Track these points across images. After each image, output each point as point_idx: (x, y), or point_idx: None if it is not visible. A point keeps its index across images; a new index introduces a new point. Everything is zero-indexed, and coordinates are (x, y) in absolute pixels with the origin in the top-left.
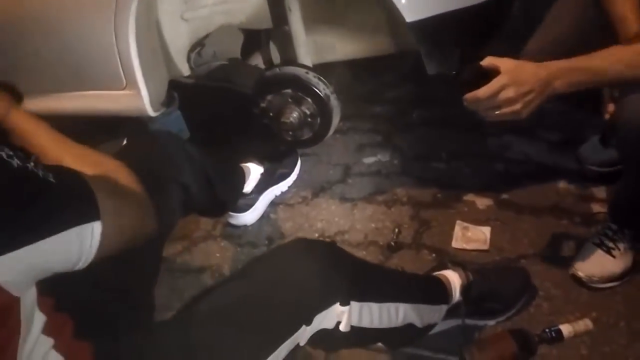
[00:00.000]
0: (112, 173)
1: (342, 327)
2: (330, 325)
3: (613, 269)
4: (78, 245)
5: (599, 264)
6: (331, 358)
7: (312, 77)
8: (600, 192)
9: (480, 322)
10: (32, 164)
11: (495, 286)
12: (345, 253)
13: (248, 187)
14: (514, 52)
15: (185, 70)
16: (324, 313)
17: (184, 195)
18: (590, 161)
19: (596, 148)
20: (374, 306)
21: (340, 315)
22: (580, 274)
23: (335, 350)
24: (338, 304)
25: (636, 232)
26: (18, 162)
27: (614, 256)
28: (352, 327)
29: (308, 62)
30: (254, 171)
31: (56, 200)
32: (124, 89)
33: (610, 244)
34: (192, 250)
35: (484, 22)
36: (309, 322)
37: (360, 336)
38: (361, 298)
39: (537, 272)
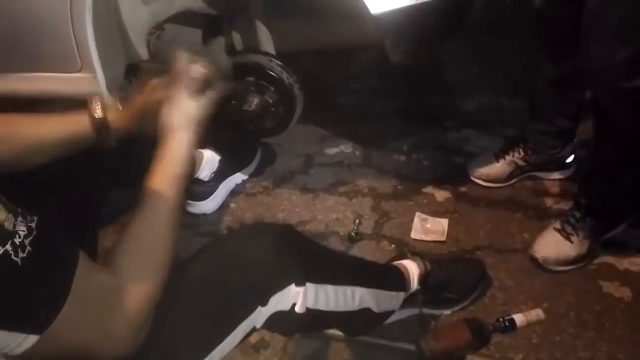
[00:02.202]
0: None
1: (297, 309)
2: (286, 307)
3: (568, 253)
4: None
5: (556, 248)
6: (289, 348)
7: (275, 65)
8: (554, 186)
9: (437, 312)
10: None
11: (452, 276)
12: (301, 235)
13: (204, 173)
14: (474, 45)
15: (144, 54)
16: (279, 294)
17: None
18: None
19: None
20: (330, 288)
21: (295, 297)
22: (537, 255)
23: (291, 334)
24: (293, 284)
25: (598, 220)
26: None
27: (571, 242)
28: (307, 309)
29: (271, 49)
30: (212, 158)
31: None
32: (79, 71)
33: (570, 230)
34: None
35: (448, 14)
36: (264, 303)
37: (316, 319)
38: (317, 280)
39: (492, 263)
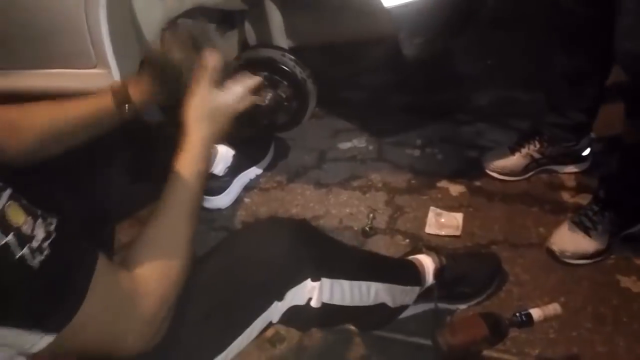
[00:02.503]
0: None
1: (313, 304)
2: (301, 301)
3: (587, 248)
4: (12, 343)
5: (574, 241)
6: (305, 342)
7: (288, 60)
8: (570, 180)
9: (452, 306)
10: (12, 236)
11: (467, 271)
12: (316, 230)
13: (218, 168)
14: (487, 38)
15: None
16: (295, 289)
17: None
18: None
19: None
20: (345, 283)
21: (311, 291)
22: (554, 247)
23: (307, 328)
24: (309, 279)
25: (617, 214)
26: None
27: (590, 236)
28: (323, 303)
29: (284, 44)
30: (226, 153)
31: (13, 289)
32: (94, 67)
33: (589, 224)
34: None
35: (462, 9)
36: (280, 298)
37: (331, 314)
38: (332, 275)
39: (508, 257)
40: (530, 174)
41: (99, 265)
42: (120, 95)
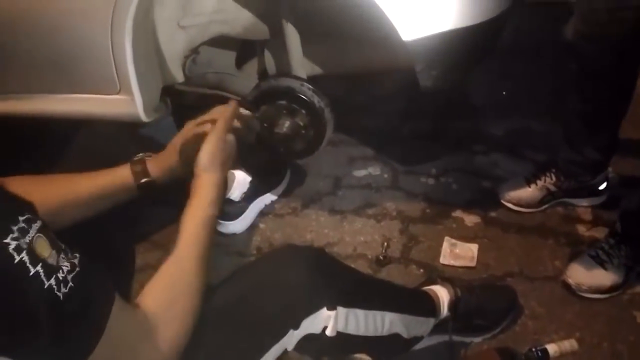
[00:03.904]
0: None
1: (328, 332)
2: (317, 330)
3: (603, 281)
4: None
5: (590, 275)
6: None
7: (306, 89)
8: (586, 213)
9: (467, 339)
10: (41, 267)
11: (483, 303)
12: (333, 259)
13: (235, 194)
14: (502, 69)
15: (179, 77)
16: (311, 317)
17: None
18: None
19: None
20: (360, 313)
21: (326, 320)
22: (570, 280)
23: (321, 357)
24: (325, 308)
25: (633, 248)
26: (32, 267)
27: (606, 269)
28: (338, 332)
29: (302, 74)
30: (243, 180)
31: (42, 317)
32: (117, 93)
33: (605, 257)
34: None
35: (479, 41)
36: (296, 327)
37: (346, 343)
38: (348, 304)
39: (523, 290)
40: (546, 206)
41: (115, 307)
42: (139, 171)
